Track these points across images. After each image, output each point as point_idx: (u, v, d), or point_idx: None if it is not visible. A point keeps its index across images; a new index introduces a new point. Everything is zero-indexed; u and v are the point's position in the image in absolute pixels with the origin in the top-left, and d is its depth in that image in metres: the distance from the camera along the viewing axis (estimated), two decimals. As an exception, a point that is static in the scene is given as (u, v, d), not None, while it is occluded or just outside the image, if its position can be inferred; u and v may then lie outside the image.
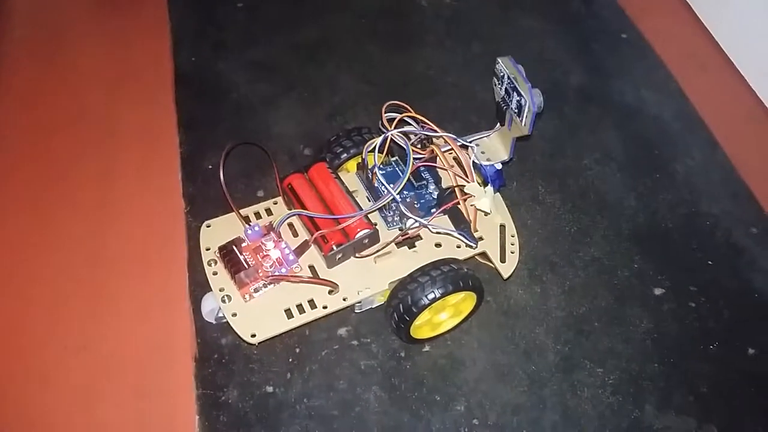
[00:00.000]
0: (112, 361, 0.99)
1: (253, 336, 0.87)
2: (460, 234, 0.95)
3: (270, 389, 0.97)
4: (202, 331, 1.01)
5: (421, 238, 0.98)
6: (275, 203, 1.01)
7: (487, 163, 1.01)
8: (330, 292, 0.91)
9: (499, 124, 1.01)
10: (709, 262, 1.13)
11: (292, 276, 0.91)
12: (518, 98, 0.92)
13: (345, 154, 1.03)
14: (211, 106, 1.30)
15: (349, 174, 1.04)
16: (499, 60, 0.94)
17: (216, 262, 0.93)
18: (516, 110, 0.94)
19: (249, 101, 1.31)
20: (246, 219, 0.97)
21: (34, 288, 1.06)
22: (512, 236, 1.01)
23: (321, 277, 0.92)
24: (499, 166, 1.01)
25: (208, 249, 0.94)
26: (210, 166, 1.20)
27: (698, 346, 1.05)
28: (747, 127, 1.33)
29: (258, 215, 0.99)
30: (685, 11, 1.50)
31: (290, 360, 0.99)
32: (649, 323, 1.06)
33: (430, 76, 1.38)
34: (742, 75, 1.37)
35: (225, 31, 1.43)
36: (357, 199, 0.96)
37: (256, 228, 0.92)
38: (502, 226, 1.01)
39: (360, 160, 1.02)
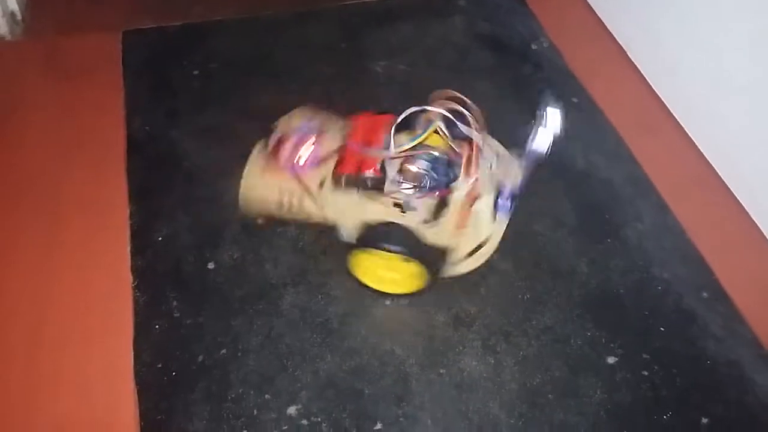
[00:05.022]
0: (51, 448, 0.96)
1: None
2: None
3: (216, 475, 0.94)
4: (146, 414, 0.99)
5: (415, 210, 1.02)
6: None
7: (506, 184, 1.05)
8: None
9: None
10: (662, 329, 1.14)
11: (299, 172, 1.03)
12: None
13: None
14: (163, 175, 1.29)
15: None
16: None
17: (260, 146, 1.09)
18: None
19: (202, 170, 1.30)
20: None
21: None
22: (486, 255, 1.07)
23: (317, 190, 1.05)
24: (514, 192, 1.06)
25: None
26: (160, 238, 1.19)
27: (652, 417, 1.04)
28: (696, 190, 1.35)
29: None
30: (634, 75, 1.53)
31: (237, 443, 0.97)
32: (603, 393, 1.06)
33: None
34: (691, 138, 1.40)
35: (179, 98, 1.43)
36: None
37: (306, 126, 1.05)
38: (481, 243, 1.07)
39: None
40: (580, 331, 1.12)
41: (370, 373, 1.06)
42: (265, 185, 1.06)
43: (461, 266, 1.07)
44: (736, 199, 1.30)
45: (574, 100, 1.50)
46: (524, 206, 1.27)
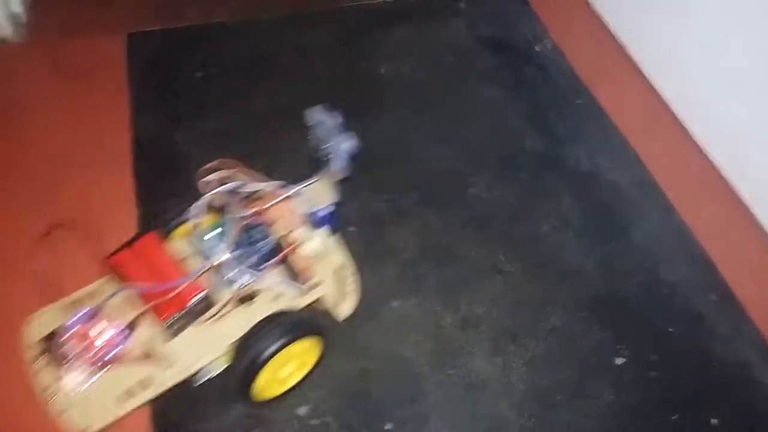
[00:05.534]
0: None
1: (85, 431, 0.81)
2: (286, 283, 0.94)
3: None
4: (158, 419, 0.98)
5: (259, 293, 0.94)
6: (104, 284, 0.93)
7: (316, 209, 1.00)
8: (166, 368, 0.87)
9: (320, 171, 1.00)
10: (669, 330, 1.14)
11: (116, 359, 0.85)
12: (332, 143, 0.97)
13: (172, 222, 0.96)
14: (168, 178, 1.28)
15: (182, 240, 0.96)
16: (310, 111, 0.99)
17: (41, 358, 0.86)
18: (332, 155, 0.97)
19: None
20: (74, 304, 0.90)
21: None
22: (351, 276, 1.02)
23: (157, 350, 0.88)
24: (329, 210, 1.01)
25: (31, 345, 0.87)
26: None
27: (660, 418, 1.04)
28: (701, 191, 1.36)
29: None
30: (638, 77, 1.53)
31: (245, 445, 0.97)
32: (611, 395, 1.06)
33: (388, 143, 1.38)
34: (696, 139, 1.40)
35: (182, 101, 1.43)
36: (191, 264, 0.91)
37: (82, 312, 0.85)
38: (339, 269, 1.02)
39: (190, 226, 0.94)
40: (587, 332, 1.13)
41: (379, 373, 1.06)
42: (94, 396, 0.84)
43: (346, 302, 1.01)
44: (741, 200, 1.30)
45: (579, 101, 1.50)
46: (531, 208, 1.29)
